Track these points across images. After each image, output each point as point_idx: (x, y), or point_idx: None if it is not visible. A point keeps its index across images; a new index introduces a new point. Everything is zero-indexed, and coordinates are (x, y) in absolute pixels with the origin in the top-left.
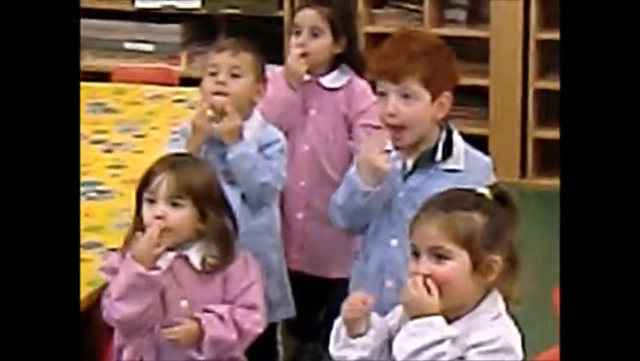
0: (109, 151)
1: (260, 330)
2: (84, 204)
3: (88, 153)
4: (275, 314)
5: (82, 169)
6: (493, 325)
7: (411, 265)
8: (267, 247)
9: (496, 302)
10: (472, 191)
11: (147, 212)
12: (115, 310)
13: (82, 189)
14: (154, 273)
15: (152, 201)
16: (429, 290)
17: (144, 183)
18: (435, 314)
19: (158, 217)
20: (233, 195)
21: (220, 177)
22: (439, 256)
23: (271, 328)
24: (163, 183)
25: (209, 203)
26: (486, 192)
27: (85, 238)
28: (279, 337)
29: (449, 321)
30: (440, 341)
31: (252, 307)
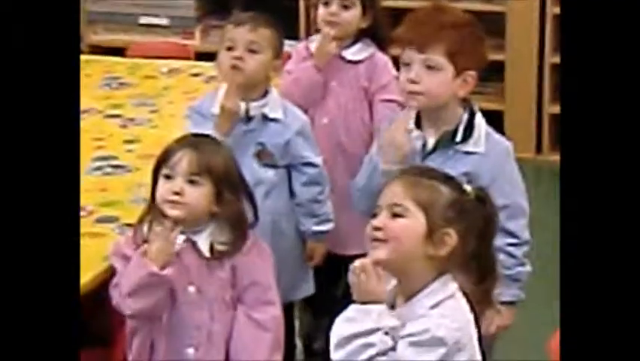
0: (124, 126)
1: (281, 326)
2: (100, 179)
3: (103, 127)
4: (296, 293)
5: (97, 144)
6: (429, 314)
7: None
8: (294, 225)
9: (446, 285)
10: (454, 179)
11: (163, 186)
12: (126, 305)
13: (97, 164)
14: (167, 272)
15: (169, 177)
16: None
17: (162, 160)
18: (378, 302)
19: (176, 193)
20: (267, 176)
21: (254, 159)
22: (396, 214)
23: (288, 304)
24: (183, 160)
25: (226, 185)
26: (469, 188)
27: (101, 212)
28: (296, 312)
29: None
30: (372, 331)
31: (268, 303)
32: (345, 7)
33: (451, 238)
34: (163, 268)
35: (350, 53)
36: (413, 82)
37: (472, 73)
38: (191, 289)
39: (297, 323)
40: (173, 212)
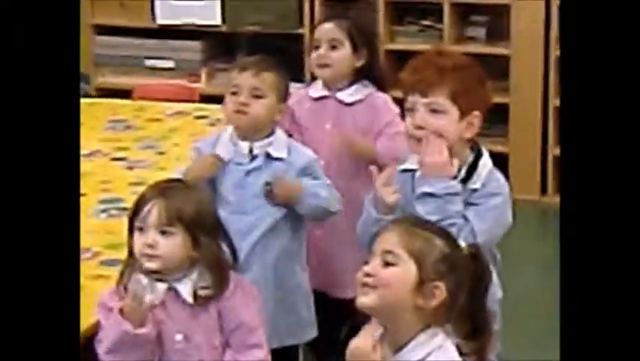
0: (130, 168)
1: None
2: (105, 222)
3: (109, 170)
4: (299, 336)
5: (103, 186)
6: None
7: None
8: (299, 267)
9: (434, 337)
10: (449, 234)
11: (137, 240)
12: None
13: (103, 206)
14: (142, 331)
15: (141, 230)
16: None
17: (135, 211)
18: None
19: (149, 246)
20: (272, 214)
21: (260, 198)
22: (388, 262)
23: (293, 346)
24: (153, 211)
25: (201, 230)
26: (463, 245)
27: (106, 255)
28: (300, 353)
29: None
30: None
31: (254, 346)
32: (334, 48)
33: (441, 291)
34: (140, 325)
35: (344, 95)
36: (419, 127)
37: (477, 114)
38: (179, 337)
39: None
40: (149, 265)
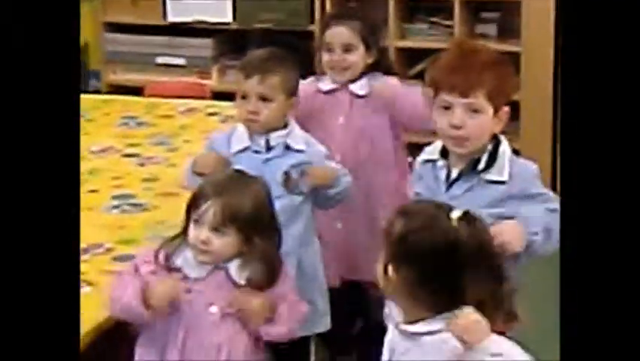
0: (142, 165)
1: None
2: (118, 217)
3: (121, 166)
4: (313, 327)
5: (116, 182)
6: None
7: None
8: (317, 255)
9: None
10: (442, 207)
11: (192, 232)
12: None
13: (116, 202)
14: (145, 314)
15: (197, 222)
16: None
17: (194, 204)
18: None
19: (203, 242)
20: (289, 203)
21: (278, 187)
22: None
23: (305, 339)
24: (210, 211)
25: (255, 229)
26: (454, 216)
27: (118, 250)
28: (312, 347)
29: None
30: None
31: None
32: (348, 51)
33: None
34: (157, 309)
35: (356, 87)
36: (457, 127)
37: (506, 109)
38: (214, 309)
39: (312, 358)
40: (201, 258)
